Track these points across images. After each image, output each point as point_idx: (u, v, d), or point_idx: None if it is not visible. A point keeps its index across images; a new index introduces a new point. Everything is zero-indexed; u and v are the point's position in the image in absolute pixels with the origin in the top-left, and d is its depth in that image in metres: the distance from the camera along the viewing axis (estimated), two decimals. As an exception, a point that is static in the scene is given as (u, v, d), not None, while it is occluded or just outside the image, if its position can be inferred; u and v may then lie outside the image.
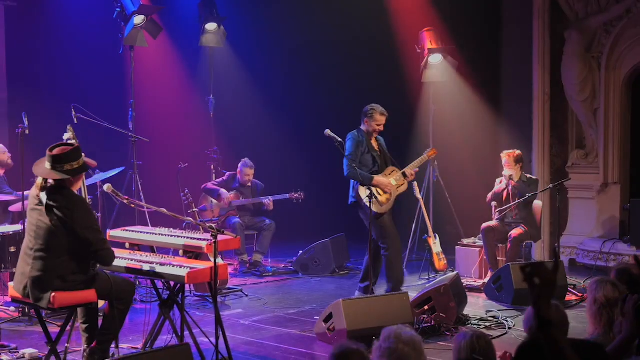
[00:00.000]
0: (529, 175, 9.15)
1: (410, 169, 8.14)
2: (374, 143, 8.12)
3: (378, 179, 7.91)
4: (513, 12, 10.86)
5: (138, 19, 8.82)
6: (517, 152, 9.07)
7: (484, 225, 9.00)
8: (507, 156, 9.01)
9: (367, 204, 7.57)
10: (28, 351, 6.13)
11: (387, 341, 3.27)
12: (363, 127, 8.04)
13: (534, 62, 10.36)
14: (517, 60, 10.77)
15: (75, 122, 8.27)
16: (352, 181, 7.99)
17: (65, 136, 6.40)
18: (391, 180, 8.02)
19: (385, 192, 7.91)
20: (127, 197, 6.34)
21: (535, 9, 10.30)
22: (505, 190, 8.96)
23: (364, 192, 7.77)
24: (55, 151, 5.45)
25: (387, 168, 8.11)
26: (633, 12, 9.76)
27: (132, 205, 6.92)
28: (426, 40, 10.09)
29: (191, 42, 10.70)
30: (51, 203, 5.39)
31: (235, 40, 10.81)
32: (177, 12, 10.94)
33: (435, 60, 10.09)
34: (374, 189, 7.71)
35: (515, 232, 8.82)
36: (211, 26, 10.01)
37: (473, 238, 9.48)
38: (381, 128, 8.07)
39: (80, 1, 10.46)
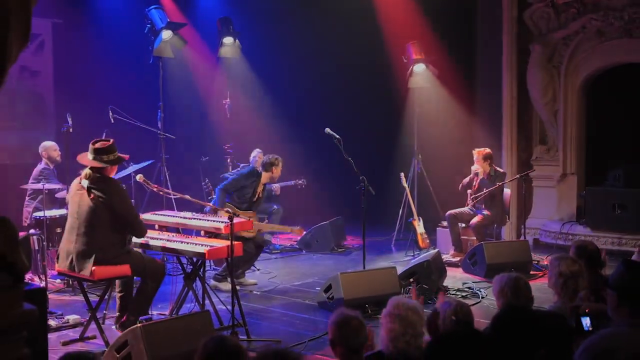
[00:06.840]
0: (497, 169, 9.08)
1: (265, 228, 7.66)
2: (259, 188, 7.53)
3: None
4: (485, 28, 10.80)
5: (166, 34, 8.79)
6: (487, 150, 8.97)
7: (448, 212, 8.97)
8: (477, 154, 8.93)
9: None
10: (72, 317, 6.13)
11: (397, 309, 3.27)
12: (264, 173, 7.48)
13: (503, 70, 10.32)
14: (489, 69, 10.71)
15: (112, 121, 8.26)
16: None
17: None
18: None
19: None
20: (156, 186, 6.33)
21: (505, 25, 10.27)
22: (475, 183, 8.91)
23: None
24: (97, 145, 5.60)
25: (247, 212, 7.26)
26: (588, 28, 9.72)
27: (161, 193, 6.91)
28: (411, 51, 10.06)
29: (211, 53, 10.67)
30: (92, 186, 5.49)
31: (249, 52, 10.76)
32: (199, 28, 10.92)
33: (419, 68, 10.05)
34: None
35: (476, 219, 8.76)
36: (228, 40, 9.97)
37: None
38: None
39: (117, 19, 10.43)
